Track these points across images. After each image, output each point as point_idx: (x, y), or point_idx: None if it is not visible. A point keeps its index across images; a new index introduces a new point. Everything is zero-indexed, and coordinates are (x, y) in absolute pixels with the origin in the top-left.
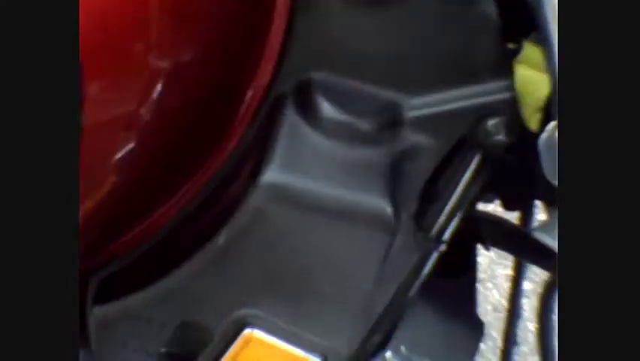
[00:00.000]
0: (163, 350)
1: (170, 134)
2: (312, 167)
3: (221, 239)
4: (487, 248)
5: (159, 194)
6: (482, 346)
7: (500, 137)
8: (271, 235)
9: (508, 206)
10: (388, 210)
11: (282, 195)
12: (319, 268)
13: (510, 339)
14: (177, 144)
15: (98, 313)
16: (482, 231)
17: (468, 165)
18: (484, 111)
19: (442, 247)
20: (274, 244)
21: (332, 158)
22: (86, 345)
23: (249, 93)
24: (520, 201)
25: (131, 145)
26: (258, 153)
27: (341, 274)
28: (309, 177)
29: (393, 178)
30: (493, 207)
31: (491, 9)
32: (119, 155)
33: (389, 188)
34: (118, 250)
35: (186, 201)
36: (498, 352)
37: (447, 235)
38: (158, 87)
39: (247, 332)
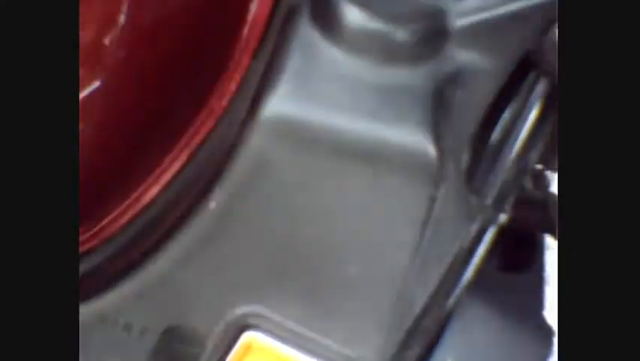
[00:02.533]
0: None
1: (150, 70)
2: (331, 93)
3: (212, 202)
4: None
5: (140, 161)
6: None
7: None
8: (277, 192)
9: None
10: (431, 149)
11: (291, 131)
12: (341, 238)
13: None
14: (160, 83)
15: None
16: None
17: (535, 100)
18: (554, 12)
19: (503, 218)
20: (281, 204)
21: (357, 81)
22: None
23: (253, 6)
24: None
25: (96, 83)
26: (261, 80)
27: (369, 248)
28: (326, 106)
29: (437, 109)
30: None
31: None
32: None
33: (432, 121)
34: (93, 241)
35: (177, 169)
36: None
37: (508, 204)
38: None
39: (247, 336)
